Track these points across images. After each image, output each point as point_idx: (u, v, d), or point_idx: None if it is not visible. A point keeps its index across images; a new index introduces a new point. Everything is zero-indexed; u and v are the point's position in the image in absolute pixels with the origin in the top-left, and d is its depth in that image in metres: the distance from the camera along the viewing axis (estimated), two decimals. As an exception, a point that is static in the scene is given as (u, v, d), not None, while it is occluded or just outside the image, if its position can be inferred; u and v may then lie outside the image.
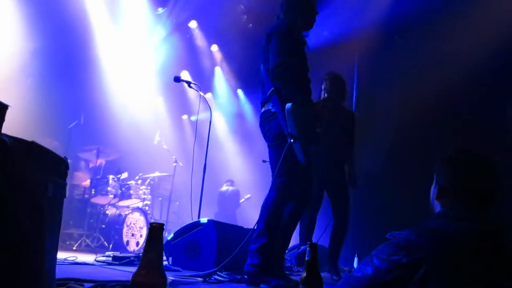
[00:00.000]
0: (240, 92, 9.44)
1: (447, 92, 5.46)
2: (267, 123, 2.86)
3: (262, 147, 3.27)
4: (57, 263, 2.86)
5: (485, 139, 5.11)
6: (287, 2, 3.01)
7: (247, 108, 9.33)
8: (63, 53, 6.43)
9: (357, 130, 7.15)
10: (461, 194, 1.44)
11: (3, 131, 1.18)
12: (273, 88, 2.74)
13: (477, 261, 1.28)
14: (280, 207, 2.69)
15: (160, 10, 7.58)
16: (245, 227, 4.21)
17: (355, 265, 3.65)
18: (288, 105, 2.57)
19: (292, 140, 2.58)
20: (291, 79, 2.69)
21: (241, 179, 8.63)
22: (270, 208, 2.66)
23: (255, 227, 2.72)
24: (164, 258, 3.79)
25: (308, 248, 1.41)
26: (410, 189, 5.16)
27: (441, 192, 1.49)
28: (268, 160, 2.93)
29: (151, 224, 1.02)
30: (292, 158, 2.63)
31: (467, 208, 1.41)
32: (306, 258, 1.40)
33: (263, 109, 2.92)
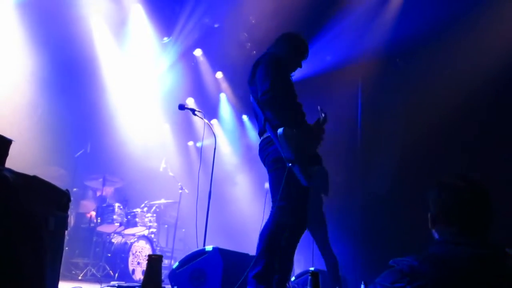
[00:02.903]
0: (245, 118, 9.52)
1: (452, 114, 5.47)
2: (265, 150, 2.88)
3: (264, 173, 3.27)
4: (61, 294, 2.83)
5: (492, 159, 5.09)
6: (279, 39, 3.15)
7: (252, 133, 9.38)
8: (70, 83, 6.56)
9: (363, 153, 7.18)
10: (452, 220, 1.43)
11: (11, 164, 1.21)
12: (264, 117, 2.77)
13: (482, 287, 1.27)
14: (278, 233, 2.66)
15: (166, 39, 7.74)
16: (250, 254, 4.17)
17: (361, 292, 3.57)
18: (280, 130, 2.58)
19: (290, 164, 2.58)
20: (280, 103, 2.71)
21: (247, 204, 8.59)
22: (267, 234, 2.64)
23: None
24: (169, 287, 3.75)
25: (309, 277, 1.40)
26: (418, 213, 5.11)
27: (433, 220, 1.48)
28: None
29: (149, 256, 1.03)
30: (291, 183, 2.63)
31: (460, 234, 1.39)
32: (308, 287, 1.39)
33: (261, 138, 2.95)
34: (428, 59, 6.26)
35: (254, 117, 3.08)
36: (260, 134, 2.95)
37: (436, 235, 1.48)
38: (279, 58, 2.94)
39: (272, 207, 2.73)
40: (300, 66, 3.17)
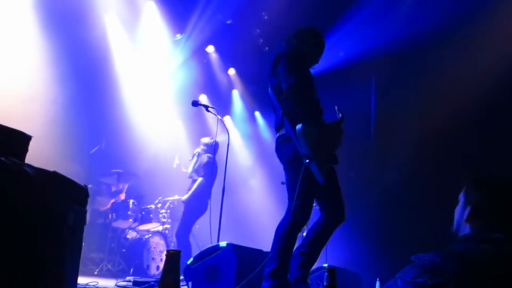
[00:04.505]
0: (257, 114, 9.51)
1: (467, 110, 5.39)
2: (282, 147, 2.87)
3: (280, 168, 3.27)
4: (78, 288, 2.87)
5: (509, 158, 5.01)
6: (297, 33, 3.11)
7: (265, 129, 9.38)
8: (84, 81, 6.62)
9: (377, 150, 7.12)
10: (496, 216, 1.41)
11: (28, 160, 1.24)
12: (282, 111, 2.76)
13: (505, 286, 1.24)
14: (292, 231, 2.67)
15: (178, 36, 7.76)
16: (264, 250, 4.17)
17: (377, 288, 3.55)
18: (299, 126, 2.57)
19: (307, 161, 2.57)
20: (304, 99, 2.70)
21: (259, 200, 8.60)
22: (282, 232, 2.66)
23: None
24: (184, 283, 3.77)
25: (326, 273, 1.40)
26: (433, 209, 5.06)
27: (474, 213, 1.45)
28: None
29: (167, 251, 1.04)
30: (308, 181, 2.62)
31: (500, 230, 1.37)
32: (325, 284, 1.39)
33: (278, 134, 2.94)
34: (442, 54, 6.17)
35: (271, 111, 3.07)
36: (277, 129, 2.94)
37: (466, 229, 1.45)
38: (301, 52, 2.94)
39: (288, 205, 2.74)
40: (318, 62, 3.15)
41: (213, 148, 6.07)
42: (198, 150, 6.11)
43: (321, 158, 2.60)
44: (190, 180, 6.75)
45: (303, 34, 3.11)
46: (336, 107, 2.99)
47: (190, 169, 6.07)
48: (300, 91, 2.68)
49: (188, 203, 5.76)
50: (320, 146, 2.61)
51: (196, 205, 5.73)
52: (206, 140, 6.19)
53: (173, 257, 1.09)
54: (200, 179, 5.79)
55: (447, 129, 5.61)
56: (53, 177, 1.13)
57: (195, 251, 4.90)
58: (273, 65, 2.91)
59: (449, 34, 5.96)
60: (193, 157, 6.09)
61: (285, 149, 2.82)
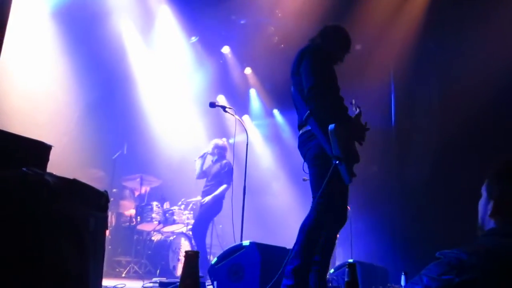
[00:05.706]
0: (276, 112, 9.51)
1: (490, 99, 5.26)
2: (306, 144, 2.85)
3: (300, 165, 3.25)
4: (106, 291, 2.93)
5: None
6: (324, 31, 3.07)
7: (284, 127, 9.36)
8: (103, 87, 6.74)
9: (398, 142, 7.02)
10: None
11: (51, 170, 1.28)
12: (308, 111, 2.75)
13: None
14: (318, 229, 2.66)
15: (193, 38, 7.83)
16: (287, 247, 4.17)
17: (402, 283, 3.52)
18: (331, 126, 2.55)
19: (337, 162, 2.56)
20: (326, 99, 2.68)
21: (281, 199, 8.59)
22: (307, 230, 2.65)
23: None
24: (209, 282, 3.81)
25: (347, 269, 1.40)
26: (457, 202, 4.95)
27: (497, 207, 1.41)
28: (307, 178, 2.91)
29: (186, 252, 1.05)
30: (333, 180, 2.61)
31: None
32: (346, 279, 1.38)
33: (301, 131, 2.92)
34: (462, 42, 6.03)
35: (291, 108, 3.05)
36: (300, 127, 2.93)
37: (490, 224, 1.41)
38: (325, 51, 2.92)
39: (312, 203, 2.73)
40: (342, 61, 3.12)
41: (226, 151, 6.14)
42: (207, 151, 6.14)
43: (349, 159, 2.60)
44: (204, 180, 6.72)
45: (327, 32, 3.07)
46: (353, 101, 2.96)
47: (198, 170, 6.10)
48: (321, 93, 2.67)
49: (209, 206, 5.81)
50: (349, 147, 2.61)
51: (216, 207, 5.84)
52: (219, 142, 6.22)
53: (191, 258, 1.11)
54: (224, 186, 5.87)
55: (470, 120, 5.48)
56: (73, 184, 1.17)
57: (218, 251, 4.93)
58: (296, 64, 2.88)
59: (470, 20, 5.81)
60: (200, 157, 6.11)
61: (310, 146, 2.80)
